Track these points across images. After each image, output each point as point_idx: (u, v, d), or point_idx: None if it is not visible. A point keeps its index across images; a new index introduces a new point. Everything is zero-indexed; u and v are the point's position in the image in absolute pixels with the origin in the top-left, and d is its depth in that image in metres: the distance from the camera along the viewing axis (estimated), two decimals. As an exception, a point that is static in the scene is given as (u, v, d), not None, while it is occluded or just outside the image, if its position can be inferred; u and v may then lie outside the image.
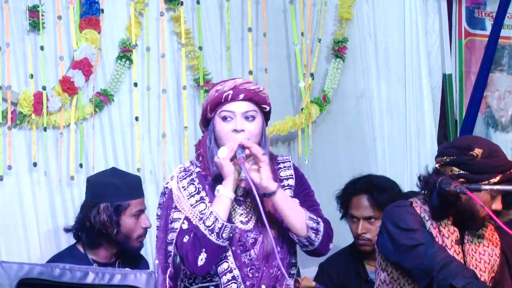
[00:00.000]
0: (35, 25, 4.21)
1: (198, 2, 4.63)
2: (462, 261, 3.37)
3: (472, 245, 3.45)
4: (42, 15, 4.22)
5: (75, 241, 4.01)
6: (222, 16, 4.73)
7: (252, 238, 3.13)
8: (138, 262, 4.03)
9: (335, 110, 5.05)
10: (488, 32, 5.25)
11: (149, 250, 4.32)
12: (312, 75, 4.87)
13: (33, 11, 4.20)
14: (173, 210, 3.13)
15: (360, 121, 5.09)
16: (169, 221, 3.13)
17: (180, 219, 3.10)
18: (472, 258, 3.42)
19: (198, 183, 3.16)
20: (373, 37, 5.16)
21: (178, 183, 3.16)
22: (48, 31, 4.26)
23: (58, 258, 3.94)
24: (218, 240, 3.02)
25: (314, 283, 3.89)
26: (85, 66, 4.27)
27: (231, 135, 3.10)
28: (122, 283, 2.99)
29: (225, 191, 3.07)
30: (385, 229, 3.40)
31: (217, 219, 3.02)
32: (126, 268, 3.15)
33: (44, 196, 4.23)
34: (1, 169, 4.11)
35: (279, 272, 3.15)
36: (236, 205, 3.17)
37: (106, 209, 3.84)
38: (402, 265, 3.38)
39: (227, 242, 3.05)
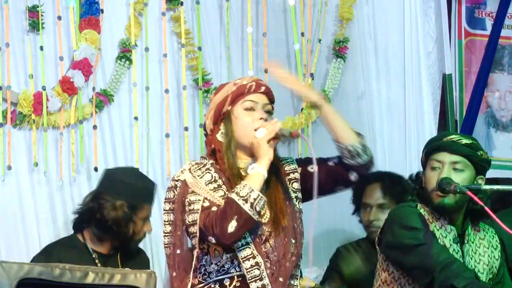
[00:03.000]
0: (34, 25, 4.21)
1: (198, 2, 4.62)
2: (460, 260, 3.37)
3: (473, 246, 3.45)
4: (42, 15, 4.22)
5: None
6: (222, 16, 4.73)
7: (267, 231, 3.10)
8: (138, 255, 4.04)
9: (335, 110, 5.03)
10: (488, 32, 5.24)
11: (148, 238, 4.35)
12: (312, 75, 4.87)
13: (33, 11, 4.20)
14: (189, 194, 3.04)
15: (360, 121, 5.08)
16: (187, 204, 3.04)
17: (200, 200, 3.02)
18: (471, 258, 3.42)
19: (214, 172, 3.09)
20: (373, 37, 5.15)
21: (192, 173, 3.09)
22: (47, 31, 4.26)
23: (55, 245, 3.92)
24: (251, 211, 2.96)
25: (314, 283, 3.90)
26: (85, 66, 4.27)
27: (252, 125, 3.10)
28: (122, 283, 2.99)
29: (261, 168, 3.04)
30: (388, 228, 3.40)
31: (252, 190, 2.98)
32: (126, 268, 3.16)
33: (44, 196, 4.23)
34: (1, 169, 4.11)
35: (293, 268, 3.14)
36: None
37: (123, 207, 3.83)
38: (404, 264, 3.38)
39: (257, 216, 3.00)
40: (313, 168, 3.10)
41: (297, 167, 3.25)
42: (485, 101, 5.34)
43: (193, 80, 4.63)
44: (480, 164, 3.41)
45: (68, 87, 4.24)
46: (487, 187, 3.37)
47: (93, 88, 4.35)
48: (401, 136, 5.19)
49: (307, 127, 4.84)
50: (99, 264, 3.84)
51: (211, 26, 4.70)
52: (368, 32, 5.14)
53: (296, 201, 3.20)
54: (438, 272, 3.23)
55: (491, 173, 5.12)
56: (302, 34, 4.86)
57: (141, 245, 4.22)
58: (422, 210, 3.42)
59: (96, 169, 4.29)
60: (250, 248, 3.04)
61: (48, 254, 3.86)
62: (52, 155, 4.25)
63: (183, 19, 4.55)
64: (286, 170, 3.24)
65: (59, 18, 4.26)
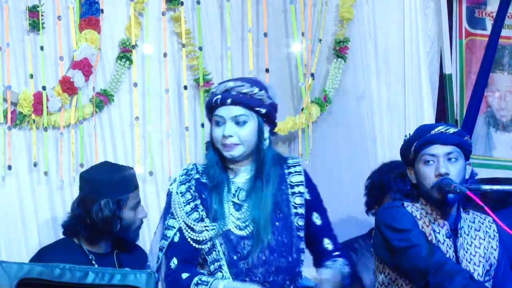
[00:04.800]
0: (35, 25, 4.21)
1: (198, 2, 4.63)
2: (453, 254, 3.36)
3: (468, 239, 3.44)
4: (42, 15, 4.22)
5: None
6: (222, 16, 4.73)
7: (249, 245, 3.11)
8: (135, 251, 4.04)
9: (336, 110, 5.04)
10: (488, 32, 5.24)
11: (148, 239, 4.35)
12: (312, 75, 4.87)
13: (33, 11, 4.20)
14: (169, 215, 3.16)
15: (360, 121, 5.09)
16: (164, 226, 3.17)
17: (174, 228, 3.14)
18: (466, 252, 3.41)
19: (194, 191, 3.15)
20: (373, 37, 5.15)
21: (178, 187, 3.17)
22: (48, 31, 4.27)
23: (49, 249, 3.93)
24: None
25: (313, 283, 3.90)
26: (85, 66, 4.27)
27: (223, 140, 3.11)
28: (122, 283, 2.99)
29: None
30: (378, 231, 3.40)
31: None
32: (126, 268, 3.16)
33: (44, 196, 4.23)
34: (1, 169, 4.11)
35: (287, 282, 3.15)
36: (233, 209, 3.16)
37: (108, 205, 3.83)
38: (397, 267, 3.38)
39: None
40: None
41: (304, 181, 3.22)
42: (485, 101, 5.34)
43: (194, 80, 4.63)
44: (468, 150, 3.42)
45: (68, 87, 4.24)
46: (487, 187, 3.37)
47: (93, 88, 4.36)
48: (401, 136, 5.18)
49: (307, 127, 4.84)
50: (96, 265, 3.84)
51: (211, 26, 4.71)
52: (368, 32, 5.14)
53: (295, 217, 3.18)
54: (432, 274, 3.23)
55: (491, 173, 5.16)
56: (303, 34, 4.86)
57: (140, 244, 4.22)
58: (409, 208, 3.41)
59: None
60: (222, 272, 3.09)
61: (42, 257, 3.85)
62: (52, 155, 4.25)
63: (184, 19, 4.56)
64: (292, 182, 3.22)
65: (59, 18, 4.26)
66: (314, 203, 3.25)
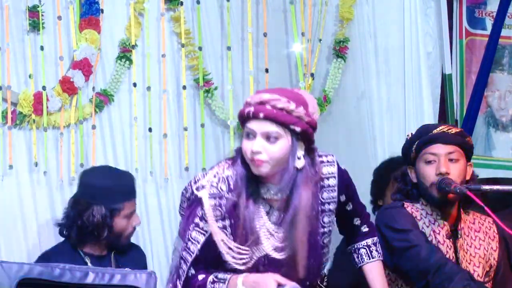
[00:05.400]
0: (35, 25, 4.21)
1: (198, 2, 4.62)
2: (453, 255, 3.36)
3: (467, 240, 3.44)
4: (42, 15, 4.22)
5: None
6: (222, 16, 4.73)
7: (283, 271, 2.95)
8: (133, 252, 4.03)
9: (336, 110, 5.04)
10: (488, 32, 5.23)
11: (147, 239, 4.40)
12: (312, 75, 4.87)
13: (33, 11, 4.20)
14: (193, 225, 2.95)
15: (360, 121, 5.09)
16: (188, 237, 2.96)
17: (199, 243, 2.94)
18: (466, 252, 3.41)
19: (225, 212, 2.93)
20: (373, 37, 5.15)
21: (208, 199, 2.94)
22: (48, 31, 4.26)
23: (46, 255, 3.91)
24: None
25: None
26: (85, 66, 4.27)
27: (251, 155, 2.89)
28: (122, 283, 2.99)
29: None
30: (378, 232, 3.40)
31: None
32: (126, 268, 3.15)
33: (44, 196, 4.23)
34: (1, 169, 4.11)
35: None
36: (268, 233, 2.99)
37: (101, 211, 3.80)
38: (397, 267, 3.38)
39: None
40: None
41: (336, 196, 3.08)
42: (485, 101, 5.33)
43: (194, 80, 4.63)
44: (470, 150, 3.42)
45: (68, 87, 4.24)
46: (487, 187, 3.37)
47: (93, 88, 4.36)
48: (401, 136, 5.19)
49: (307, 127, 4.84)
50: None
51: (211, 26, 4.70)
52: (368, 32, 5.14)
53: (322, 236, 3.06)
54: (431, 275, 3.23)
55: (491, 173, 5.16)
56: (303, 34, 4.86)
57: (140, 245, 4.23)
58: (409, 209, 3.41)
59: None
60: None
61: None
62: (52, 155, 4.25)
63: (183, 19, 4.55)
64: (324, 198, 3.07)
65: (59, 18, 4.26)
66: (348, 198, 3.14)
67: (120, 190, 3.88)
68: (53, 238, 4.14)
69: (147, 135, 4.46)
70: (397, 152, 5.18)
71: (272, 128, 2.85)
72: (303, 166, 2.94)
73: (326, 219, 3.07)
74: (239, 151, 2.98)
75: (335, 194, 3.08)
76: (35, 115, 4.18)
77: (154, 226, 4.49)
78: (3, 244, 4.14)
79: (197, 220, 2.95)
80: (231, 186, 2.95)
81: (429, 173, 3.36)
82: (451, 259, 3.35)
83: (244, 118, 2.91)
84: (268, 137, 2.86)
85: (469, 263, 3.39)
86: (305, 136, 2.93)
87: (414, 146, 3.42)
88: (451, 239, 3.40)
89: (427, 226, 3.38)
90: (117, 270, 3.10)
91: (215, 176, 2.98)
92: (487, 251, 3.46)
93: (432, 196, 3.37)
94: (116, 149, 4.43)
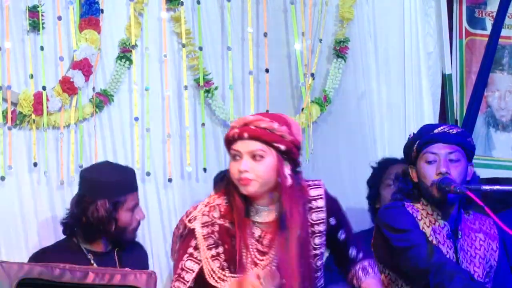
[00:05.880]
0: (35, 25, 4.21)
1: (198, 2, 4.62)
2: (453, 256, 3.36)
3: (468, 240, 3.43)
4: (42, 15, 4.22)
5: None
6: (222, 16, 4.73)
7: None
8: (136, 250, 4.04)
9: (336, 110, 5.04)
10: (488, 32, 5.24)
11: (148, 239, 4.39)
12: (312, 75, 4.86)
13: (33, 11, 4.20)
14: (187, 256, 3.01)
15: (360, 122, 5.09)
16: (181, 266, 3.01)
17: (193, 272, 2.99)
18: (466, 253, 3.41)
19: (218, 239, 3.01)
20: (373, 37, 5.15)
21: (200, 228, 3.01)
22: (48, 31, 4.26)
23: (48, 250, 3.91)
24: None
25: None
26: (85, 66, 4.27)
27: (238, 175, 2.98)
28: (122, 283, 2.99)
29: None
30: (379, 232, 3.40)
31: None
32: (126, 268, 3.16)
33: (44, 196, 4.23)
34: (1, 169, 4.11)
35: None
36: (258, 257, 3.03)
37: (105, 205, 3.81)
38: (398, 267, 3.38)
39: None
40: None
41: (325, 217, 3.10)
42: (485, 101, 5.33)
43: (194, 80, 4.62)
44: (471, 151, 3.42)
45: (68, 87, 4.24)
46: (487, 187, 3.37)
47: (93, 88, 4.35)
48: (401, 136, 5.19)
49: (307, 127, 4.84)
50: (94, 264, 3.84)
51: (211, 26, 4.70)
52: (368, 32, 5.14)
53: (314, 259, 3.08)
54: (432, 275, 3.22)
55: (491, 173, 5.16)
56: (303, 34, 4.86)
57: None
58: (410, 209, 3.41)
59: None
60: None
61: (40, 259, 3.83)
62: (52, 155, 4.25)
63: (184, 19, 4.55)
64: (313, 220, 3.10)
65: (59, 18, 4.26)
66: (339, 223, 3.15)
67: (122, 183, 3.90)
68: (53, 238, 4.14)
69: (147, 135, 4.46)
70: (397, 152, 5.23)
71: (256, 146, 2.96)
72: (290, 185, 3.00)
73: (317, 241, 3.10)
74: (224, 177, 3.08)
75: (324, 215, 3.11)
76: (35, 115, 4.18)
77: (154, 226, 4.48)
78: (3, 244, 4.14)
79: (191, 250, 3.01)
80: (222, 213, 3.03)
81: (430, 172, 3.36)
82: (451, 259, 3.35)
83: (230, 141, 3.01)
84: (254, 156, 2.96)
85: (469, 264, 3.39)
86: (290, 155, 3.01)
87: (415, 145, 3.42)
88: (451, 240, 3.39)
89: (428, 226, 3.38)
90: (117, 270, 3.10)
91: (206, 206, 3.06)
92: (487, 251, 3.46)
93: (432, 196, 3.37)
94: (116, 149, 4.43)
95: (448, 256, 3.35)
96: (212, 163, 4.61)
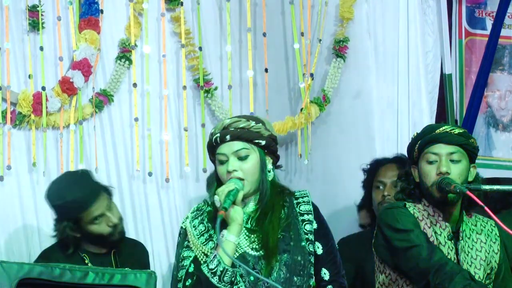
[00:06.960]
0: (34, 25, 4.21)
1: (198, 3, 4.62)
2: (454, 257, 3.36)
3: (469, 242, 3.43)
4: (42, 15, 4.22)
5: None
6: (221, 17, 4.73)
7: (261, 269, 3.14)
8: (135, 248, 4.04)
9: (335, 110, 5.04)
10: (488, 32, 5.23)
11: (148, 238, 4.40)
12: (311, 75, 4.86)
13: (33, 11, 4.20)
14: (184, 248, 3.17)
15: (359, 121, 5.08)
16: (180, 259, 3.17)
17: (191, 257, 3.14)
18: (467, 255, 3.40)
19: (207, 222, 3.20)
20: (372, 37, 5.14)
21: (190, 222, 3.21)
22: (47, 31, 4.26)
23: (46, 253, 3.92)
24: (220, 283, 3.06)
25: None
26: (84, 67, 4.27)
27: (228, 176, 3.15)
28: (122, 283, 2.99)
29: (230, 236, 3.11)
30: (380, 231, 3.40)
31: (219, 262, 3.06)
32: (126, 268, 3.15)
33: (43, 196, 4.22)
34: (1, 169, 4.11)
35: None
36: (247, 233, 3.19)
37: (68, 226, 3.83)
38: (398, 267, 3.38)
39: (229, 286, 3.08)
40: None
41: (312, 210, 3.26)
42: (485, 101, 5.33)
43: (193, 81, 4.62)
44: (473, 152, 3.41)
45: (67, 87, 4.24)
46: (487, 187, 3.36)
47: (93, 88, 4.35)
48: (401, 136, 5.19)
49: (306, 127, 4.84)
50: (90, 265, 3.83)
51: (211, 27, 4.70)
52: (367, 32, 5.13)
53: (306, 243, 3.22)
54: (432, 274, 3.22)
55: (491, 173, 5.16)
56: (302, 34, 4.86)
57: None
58: (411, 209, 3.41)
59: (96, 170, 4.29)
60: None
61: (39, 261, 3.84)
62: (52, 155, 4.25)
63: (183, 19, 4.55)
64: (301, 210, 3.27)
65: (59, 18, 4.26)
66: (319, 232, 3.27)
67: (77, 201, 3.82)
68: (53, 238, 4.14)
69: (147, 135, 4.46)
70: (395, 151, 5.23)
71: (240, 145, 3.16)
72: (272, 178, 3.23)
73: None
74: (212, 182, 3.25)
75: (314, 224, 3.26)
76: (34, 115, 4.18)
77: (154, 226, 4.48)
78: (3, 244, 4.14)
79: (186, 243, 3.19)
80: (210, 204, 3.23)
81: (430, 172, 3.36)
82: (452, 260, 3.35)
83: (213, 146, 3.20)
84: (239, 156, 3.16)
85: (470, 265, 3.38)
86: (270, 149, 3.23)
87: (417, 145, 3.43)
88: (452, 241, 3.39)
89: (429, 227, 3.38)
90: (117, 270, 3.10)
91: (195, 207, 3.28)
92: (488, 253, 3.46)
93: (432, 196, 3.37)
94: (116, 150, 4.43)
95: (449, 257, 3.34)
96: (212, 163, 4.60)
